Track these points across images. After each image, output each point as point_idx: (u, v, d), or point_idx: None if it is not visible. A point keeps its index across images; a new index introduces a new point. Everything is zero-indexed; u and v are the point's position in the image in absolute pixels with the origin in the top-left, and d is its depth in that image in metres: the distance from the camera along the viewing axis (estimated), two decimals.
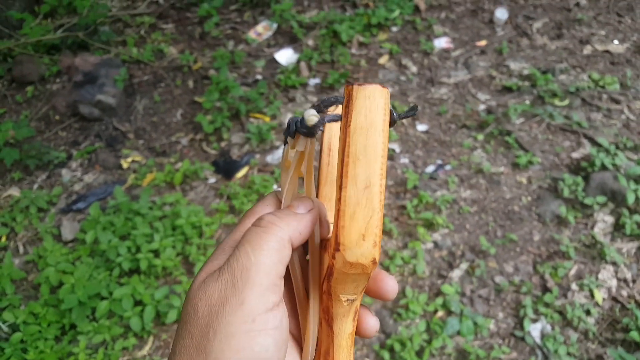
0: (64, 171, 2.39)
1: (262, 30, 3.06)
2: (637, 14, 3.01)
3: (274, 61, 2.87)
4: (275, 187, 2.19)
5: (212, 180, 2.25)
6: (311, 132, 0.35)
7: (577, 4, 3.10)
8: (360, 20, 2.98)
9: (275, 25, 3.07)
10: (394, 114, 0.34)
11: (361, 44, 2.93)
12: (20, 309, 1.76)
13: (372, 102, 0.32)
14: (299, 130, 0.35)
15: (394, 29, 3.02)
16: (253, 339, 0.32)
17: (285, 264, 0.35)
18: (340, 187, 0.32)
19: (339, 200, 0.32)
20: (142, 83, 2.81)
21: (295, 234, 0.36)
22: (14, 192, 2.30)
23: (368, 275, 0.33)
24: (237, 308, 0.32)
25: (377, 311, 1.77)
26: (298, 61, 2.83)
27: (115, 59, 2.83)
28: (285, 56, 2.87)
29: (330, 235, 0.38)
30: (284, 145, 0.39)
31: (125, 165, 2.37)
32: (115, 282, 1.81)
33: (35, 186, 2.33)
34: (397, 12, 3.05)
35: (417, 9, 3.11)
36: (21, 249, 2.07)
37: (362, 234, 0.32)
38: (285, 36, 3.03)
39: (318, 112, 0.35)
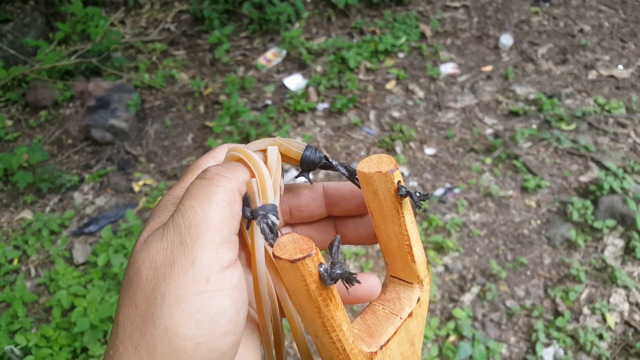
0: (76, 194, 2.41)
1: (272, 56, 3.12)
2: None
3: (283, 87, 2.92)
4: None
5: None
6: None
7: (581, 30, 3.15)
8: (368, 46, 3.03)
9: (284, 52, 3.13)
10: (413, 199, 0.36)
11: (368, 70, 2.98)
12: (32, 332, 1.76)
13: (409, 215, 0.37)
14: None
15: (401, 55, 3.08)
16: (208, 300, 0.28)
17: (238, 220, 0.32)
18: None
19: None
20: (154, 108, 2.86)
21: (243, 187, 0.33)
22: (27, 215, 2.32)
23: None
24: (187, 268, 0.28)
25: None
26: (307, 86, 2.87)
27: (127, 85, 2.89)
28: (295, 82, 2.92)
29: None
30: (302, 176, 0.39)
31: (136, 188, 2.40)
32: None
33: (48, 209, 2.35)
34: (403, 39, 3.11)
35: (423, 36, 3.17)
36: (33, 272, 2.08)
37: None
38: (294, 62, 3.09)
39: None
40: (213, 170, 0.32)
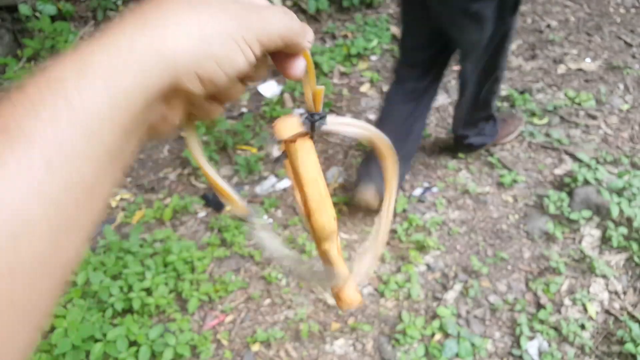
0: None
1: None
2: (605, 33, 3.13)
3: (258, 94, 2.91)
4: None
5: (202, 214, 2.25)
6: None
7: (548, 26, 3.21)
8: (340, 51, 3.05)
9: None
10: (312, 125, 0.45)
11: (342, 74, 3.00)
12: None
13: (307, 153, 0.45)
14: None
15: (374, 57, 3.10)
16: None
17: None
18: (307, 215, 0.46)
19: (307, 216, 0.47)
20: None
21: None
22: None
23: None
24: None
25: (375, 337, 1.76)
26: (282, 93, 2.87)
27: None
28: (269, 89, 2.92)
29: None
30: None
31: (113, 203, 2.36)
32: (108, 323, 1.78)
33: None
34: (375, 42, 3.13)
35: (394, 38, 3.19)
36: None
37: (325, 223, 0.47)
38: (268, 69, 3.08)
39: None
40: None
